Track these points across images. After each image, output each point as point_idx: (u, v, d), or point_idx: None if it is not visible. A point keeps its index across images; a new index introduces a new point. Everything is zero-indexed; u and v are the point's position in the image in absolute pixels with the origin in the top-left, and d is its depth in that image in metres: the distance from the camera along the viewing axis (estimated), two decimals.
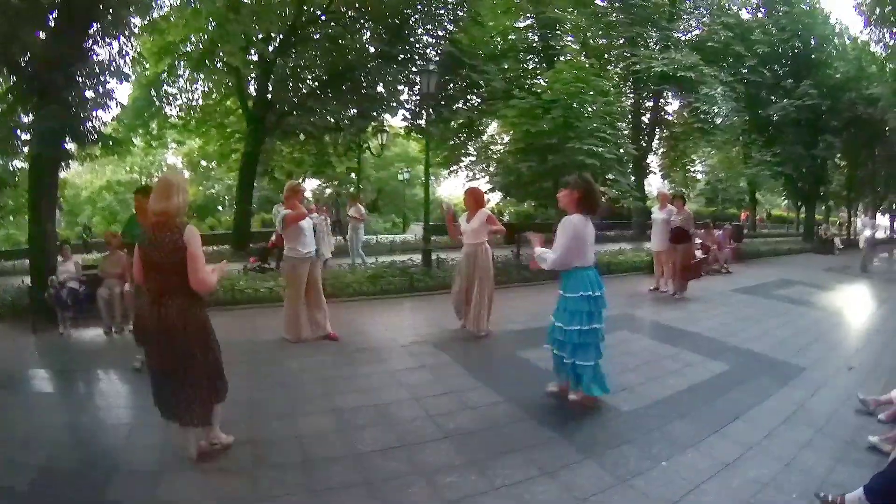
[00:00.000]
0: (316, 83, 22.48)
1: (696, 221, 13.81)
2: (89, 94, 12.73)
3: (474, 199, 8.48)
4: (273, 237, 13.90)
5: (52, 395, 6.78)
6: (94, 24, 12.63)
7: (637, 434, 5.03)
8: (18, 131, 13.21)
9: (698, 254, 14.13)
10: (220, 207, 39.06)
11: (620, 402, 5.72)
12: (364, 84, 21.54)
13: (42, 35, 12.25)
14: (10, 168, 20.65)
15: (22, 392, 6.75)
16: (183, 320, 4.17)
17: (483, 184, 18.56)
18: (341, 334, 8.44)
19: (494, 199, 19.18)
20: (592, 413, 5.48)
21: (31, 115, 12.61)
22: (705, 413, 5.54)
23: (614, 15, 26.95)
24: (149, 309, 4.26)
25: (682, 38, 28.07)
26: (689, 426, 5.22)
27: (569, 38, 27.35)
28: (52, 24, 12.24)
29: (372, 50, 21.46)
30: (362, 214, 17.47)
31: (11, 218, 25.68)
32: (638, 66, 25.00)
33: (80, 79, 12.50)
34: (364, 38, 21.70)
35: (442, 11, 22.07)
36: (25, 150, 13.38)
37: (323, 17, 20.91)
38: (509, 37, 26.25)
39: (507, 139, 20.37)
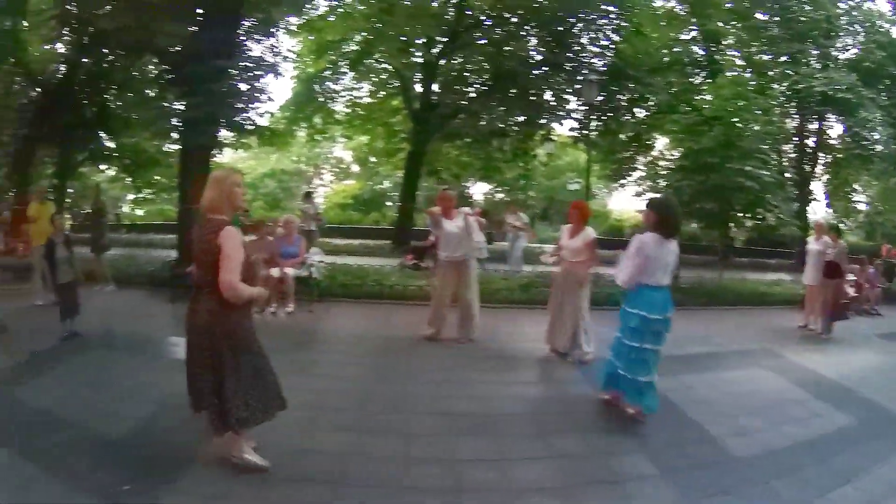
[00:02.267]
0: (481, 87, 22.37)
1: (850, 256, 12.64)
2: (243, 86, 12.96)
3: (581, 214, 7.76)
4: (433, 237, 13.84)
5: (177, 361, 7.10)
6: (245, 21, 12.81)
7: (739, 485, 4.58)
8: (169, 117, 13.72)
9: (850, 291, 12.76)
10: (388, 203, 39.47)
11: (734, 446, 5.26)
12: (531, 91, 21.12)
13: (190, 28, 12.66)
14: (163, 149, 21.99)
15: (156, 355, 7.49)
16: (210, 321, 3.99)
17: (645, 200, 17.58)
18: (481, 340, 8.45)
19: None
20: (704, 454, 5.08)
21: (180, 103, 13.04)
22: (816, 472, 4.93)
23: (776, 29, 25.15)
24: (190, 300, 4.20)
25: (840, 57, 25.80)
26: (795, 485, 4.65)
27: (732, 53, 25.80)
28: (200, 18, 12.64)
29: (538, 57, 20.98)
30: (524, 223, 17.19)
31: (165, 195, 27.34)
32: (800, 85, 23.17)
33: (233, 72, 12.72)
34: (528, 44, 21.21)
35: (604, 20, 21.17)
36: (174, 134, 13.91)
37: (488, 23, 20.82)
38: (673, 49, 25.04)
39: (676, 155, 19.62)
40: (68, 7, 17.05)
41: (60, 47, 22.17)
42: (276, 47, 13.76)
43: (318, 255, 11.68)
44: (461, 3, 19.93)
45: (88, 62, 18.78)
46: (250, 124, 13.53)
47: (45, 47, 21.90)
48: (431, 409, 5.62)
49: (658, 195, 5.15)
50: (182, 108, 13.11)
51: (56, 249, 8.20)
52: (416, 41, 20.28)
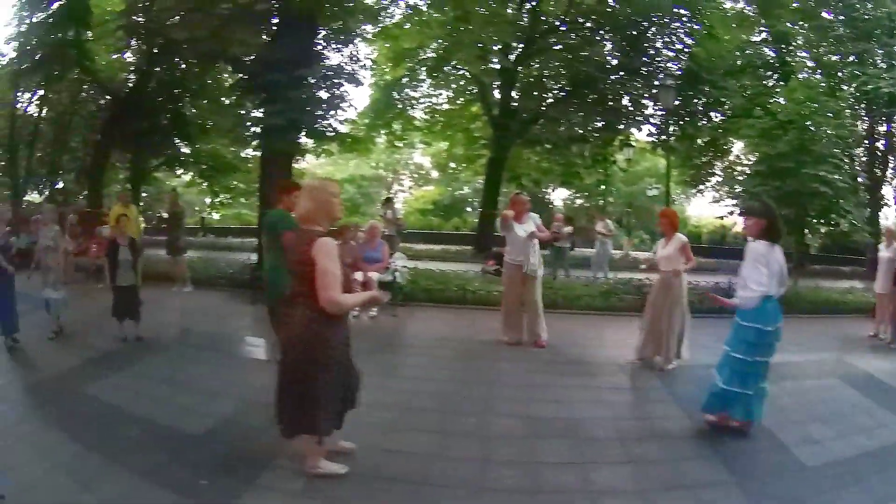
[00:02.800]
0: (559, 93, 22.27)
1: None
2: (323, 94, 13.09)
3: (670, 222, 7.67)
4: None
5: (262, 361, 7.26)
6: (321, 30, 12.93)
7: (811, 494, 4.47)
8: (249, 124, 13.93)
9: None
10: (468, 209, 39.72)
11: (806, 455, 5.12)
12: (609, 96, 21.01)
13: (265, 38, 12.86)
14: (241, 155, 22.41)
15: (234, 354, 7.76)
16: (300, 331, 3.93)
17: (727, 207, 18.33)
18: (562, 345, 8.38)
19: (741, 224, 18.22)
20: (774, 462, 4.97)
21: (259, 111, 13.24)
22: (881, 482, 4.78)
23: (841, 29, 24.51)
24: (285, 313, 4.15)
25: None
26: (860, 495, 4.54)
27: (802, 55, 25.26)
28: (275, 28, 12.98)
29: (615, 62, 20.91)
30: (610, 230, 17.00)
31: (243, 200, 28.27)
32: (868, 86, 22.54)
33: (312, 80, 12.85)
34: (604, 49, 21.12)
35: (677, 24, 20.94)
36: (254, 141, 14.15)
37: (563, 28, 20.68)
38: (745, 51, 24.62)
39: (752, 160, 19.31)
40: (135, 18, 17.46)
41: (129, 56, 22.88)
42: (355, 55, 13.85)
43: (402, 260, 11.65)
44: (535, 9, 19.88)
45: (160, 71, 19.17)
46: (331, 131, 13.64)
47: (113, 56, 22.54)
48: (512, 413, 5.62)
49: (755, 201, 4.90)
50: (261, 115, 13.28)
51: (119, 251, 8.18)
52: (493, 48, 20.15)
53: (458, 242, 24.15)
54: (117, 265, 8.13)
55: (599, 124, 21.34)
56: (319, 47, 13.41)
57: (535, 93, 22.22)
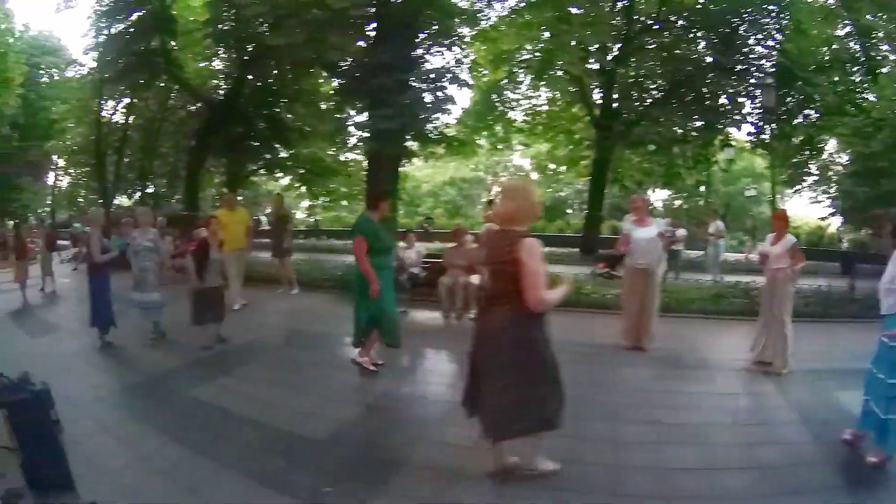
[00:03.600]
0: (659, 93, 22.01)
1: None
2: (428, 97, 13.29)
3: (783, 222, 7.69)
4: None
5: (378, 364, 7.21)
6: (420, 34, 13.13)
7: None
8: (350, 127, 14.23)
9: None
10: (568, 211, 39.70)
11: None
12: (707, 95, 20.69)
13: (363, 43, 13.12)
14: (340, 159, 22.82)
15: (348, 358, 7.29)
16: (504, 330, 3.98)
17: (824, 207, 17.84)
18: (677, 349, 8.25)
19: (835, 223, 17.96)
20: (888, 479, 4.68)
21: (362, 115, 13.43)
22: None
23: None
24: (479, 310, 4.40)
25: None
26: None
27: (884, 48, 24.59)
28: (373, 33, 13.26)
29: (709, 60, 20.46)
30: (720, 231, 16.82)
31: (345, 203, 28.78)
32: None
33: (416, 84, 13.05)
34: (698, 47, 20.84)
35: (767, 20, 20.60)
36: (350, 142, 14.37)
37: (655, 26, 20.47)
38: (832, 46, 24.06)
39: (846, 159, 18.89)
40: (222, 27, 17.91)
41: (216, 64, 23.50)
42: (459, 58, 14.04)
43: None
44: (629, 7, 19.74)
45: (252, 78, 19.52)
46: (437, 134, 13.85)
47: (201, 64, 23.19)
48: (639, 418, 5.57)
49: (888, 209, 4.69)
50: (367, 119, 13.53)
51: (208, 253, 8.04)
52: (592, 48, 20.01)
53: (563, 245, 23.57)
54: (206, 267, 7.99)
55: (699, 124, 21.05)
56: (420, 51, 13.58)
57: (634, 93, 22.04)
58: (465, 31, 14.33)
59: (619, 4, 20.27)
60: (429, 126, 13.44)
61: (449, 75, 13.85)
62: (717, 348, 8.95)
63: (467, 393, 4.28)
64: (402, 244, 10.86)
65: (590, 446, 4.86)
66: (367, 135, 14.03)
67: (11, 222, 26.96)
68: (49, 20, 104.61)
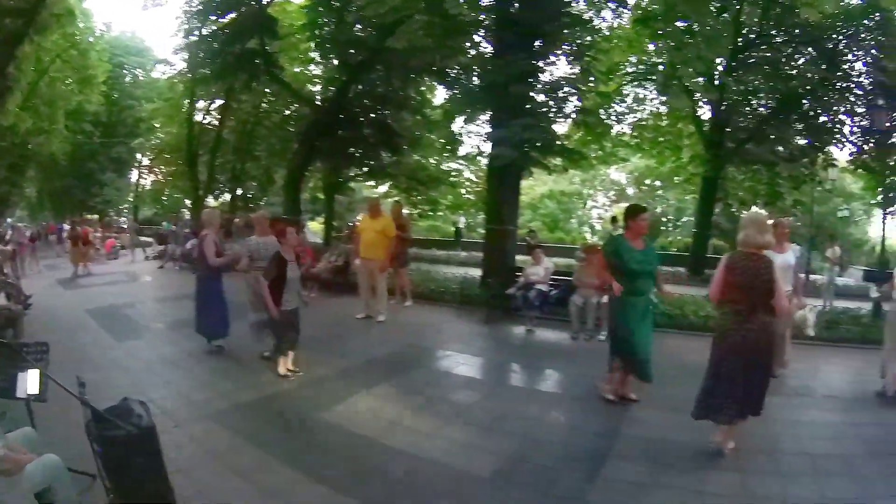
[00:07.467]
0: (766, 110, 21.44)
1: None
2: (554, 108, 13.06)
3: None
4: None
5: (521, 389, 7.42)
6: (538, 43, 12.83)
7: None
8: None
9: None
10: (668, 227, 39.10)
11: None
12: (811, 113, 20.23)
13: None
14: (443, 168, 22.72)
15: (498, 383, 7.67)
16: (765, 335, 4.96)
17: None
18: (808, 379, 8.11)
19: None
20: None
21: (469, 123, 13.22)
22: None
23: None
24: (735, 323, 4.94)
25: None
26: None
27: None
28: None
29: (810, 76, 19.78)
30: (837, 257, 16.59)
31: (444, 213, 29.54)
32: None
33: (538, 95, 12.78)
34: (800, 62, 20.26)
35: (864, 34, 19.80)
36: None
37: (756, 41, 20.12)
38: None
39: None
40: (325, 30, 18.01)
41: (313, 68, 23.55)
42: (586, 68, 13.68)
43: None
44: (737, 21, 19.34)
45: (359, 83, 19.51)
46: (558, 146, 13.56)
47: (297, 70, 23.27)
48: (795, 451, 5.43)
49: None
50: (489, 130, 13.33)
51: (287, 269, 6.96)
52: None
53: (667, 263, 23.19)
54: (284, 286, 6.92)
55: (804, 143, 20.58)
56: (542, 62, 13.25)
57: (744, 109, 21.57)
58: (588, 40, 13.86)
59: (723, 17, 19.56)
60: (551, 137, 13.11)
61: (572, 87, 13.45)
62: (848, 376, 8.65)
63: (732, 398, 4.99)
64: (530, 260, 11.01)
65: (753, 479, 4.78)
66: (487, 144, 13.81)
67: (95, 216, 27.78)
68: (132, 21, 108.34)
